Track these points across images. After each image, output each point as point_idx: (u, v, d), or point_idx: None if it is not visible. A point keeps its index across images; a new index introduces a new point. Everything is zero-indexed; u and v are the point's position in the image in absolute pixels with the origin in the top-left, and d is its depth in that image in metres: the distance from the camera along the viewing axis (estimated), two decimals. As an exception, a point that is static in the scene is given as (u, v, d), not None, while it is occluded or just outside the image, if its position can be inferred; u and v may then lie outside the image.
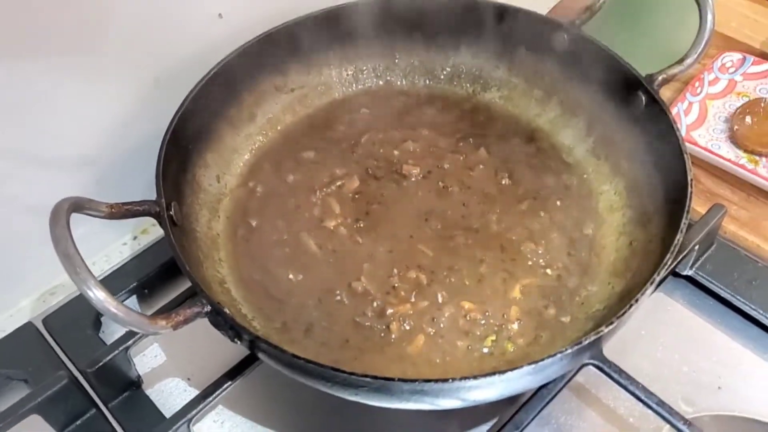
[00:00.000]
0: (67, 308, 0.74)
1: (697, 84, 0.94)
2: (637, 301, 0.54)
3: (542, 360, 0.50)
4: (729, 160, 0.85)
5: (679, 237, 0.58)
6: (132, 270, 0.77)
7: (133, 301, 0.77)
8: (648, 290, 0.55)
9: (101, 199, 0.58)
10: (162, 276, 0.77)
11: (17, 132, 0.68)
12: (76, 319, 0.72)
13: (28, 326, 0.73)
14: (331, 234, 0.71)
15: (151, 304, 0.77)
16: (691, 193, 0.61)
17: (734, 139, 0.88)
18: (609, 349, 0.64)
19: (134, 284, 0.75)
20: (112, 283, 0.75)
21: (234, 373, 0.65)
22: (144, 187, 0.79)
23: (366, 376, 0.50)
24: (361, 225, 0.72)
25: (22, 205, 0.71)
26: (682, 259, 0.72)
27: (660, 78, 0.70)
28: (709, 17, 0.68)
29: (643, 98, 0.70)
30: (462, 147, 0.79)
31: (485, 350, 0.63)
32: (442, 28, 0.83)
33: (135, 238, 0.84)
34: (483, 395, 0.53)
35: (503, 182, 0.76)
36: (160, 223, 0.60)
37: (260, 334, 0.55)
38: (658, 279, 0.56)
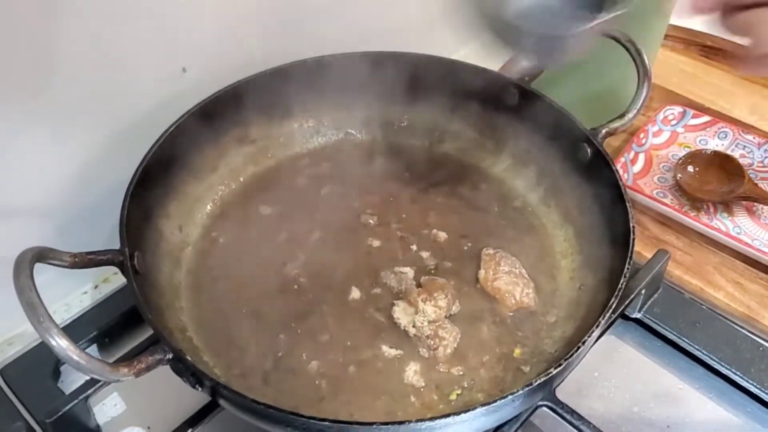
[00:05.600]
0: (25, 358, 0.73)
1: (642, 135, 0.99)
2: (584, 343, 0.57)
3: (495, 401, 0.52)
4: (673, 208, 0.89)
5: (622, 282, 0.61)
6: (93, 319, 0.77)
7: (93, 350, 0.77)
8: (594, 333, 0.58)
9: (63, 248, 0.59)
10: (123, 325, 0.77)
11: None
12: (34, 369, 0.72)
13: (-15, 377, 0.72)
14: (292, 285, 0.73)
15: (112, 352, 0.77)
16: (634, 240, 0.64)
17: (678, 188, 0.93)
18: (564, 391, 0.66)
19: (95, 333, 0.75)
20: (72, 331, 0.75)
21: (194, 420, 0.66)
22: (106, 237, 0.80)
23: (325, 420, 0.51)
24: (324, 274, 0.74)
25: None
26: (630, 303, 0.75)
27: (603, 131, 0.74)
28: (646, 76, 0.73)
29: (588, 150, 0.74)
30: (419, 196, 0.82)
31: (453, 399, 0.65)
32: (399, 82, 0.86)
33: (96, 287, 0.84)
34: (440, 437, 0.55)
35: (461, 230, 0.79)
36: (123, 272, 0.61)
37: (221, 381, 0.56)
38: (603, 322, 0.58)
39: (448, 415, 0.52)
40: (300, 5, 0.87)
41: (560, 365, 0.55)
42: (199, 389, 0.56)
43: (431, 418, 0.51)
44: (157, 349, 0.55)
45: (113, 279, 0.84)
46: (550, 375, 0.55)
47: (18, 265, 0.51)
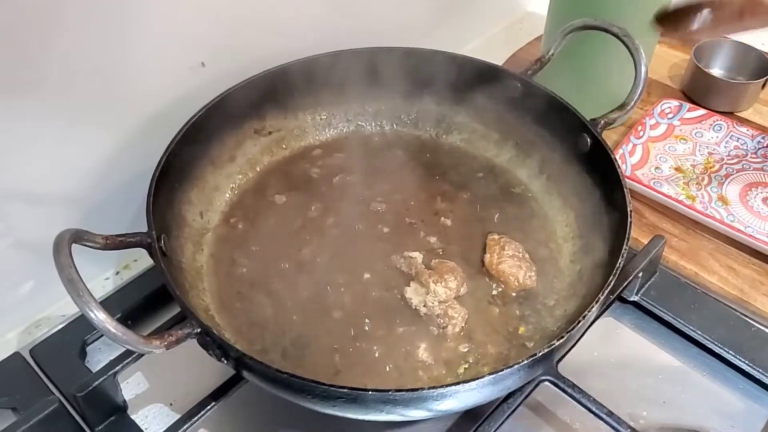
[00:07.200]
0: (52, 339, 0.77)
1: (639, 128, 1.03)
2: (584, 318, 0.60)
3: (501, 370, 0.56)
4: (669, 197, 0.93)
5: (620, 262, 0.64)
6: (116, 302, 0.80)
7: (117, 332, 0.80)
8: (594, 309, 0.61)
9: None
10: (145, 308, 0.80)
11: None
12: (62, 348, 0.75)
13: (16, 356, 0.75)
14: (309, 266, 0.76)
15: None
16: (631, 222, 0.67)
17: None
18: (565, 370, 0.69)
19: (119, 315, 0.78)
20: (97, 314, 0.78)
21: (217, 394, 0.69)
22: (128, 224, 0.83)
23: (343, 387, 0.55)
24: (337, 258, 0.77)
25: (6, 243, 0.75)
26: (627, 285, 0.78)
27: (602, 122, 0.77)
28: (643, 69, 0.76)
29: (588, 140, 0.77)
30: (427, 185, 0.86)
31: (460, 372, 0.68)
32: (407, 77, 0.90)
33: (117, 273, 0.88)
34: (449, 405, 0.58)
35: (467, 217, 0.82)
36: (151, 254, 0.65)
37: (246, 353, 0.59)
38: (602, 299, 0.62)
39: (457, 383, 0.55)
40: (314, 2, 0.90)
41: (562, 337, 0.59)
42: (224, 362, 0.60)
43: (442, 386, 0.55)
44: (186, 324, 0.58)
45: (133, 266, 0.88)
46: (553, 346, 0.58)
47: (57, 245, 0.55)
